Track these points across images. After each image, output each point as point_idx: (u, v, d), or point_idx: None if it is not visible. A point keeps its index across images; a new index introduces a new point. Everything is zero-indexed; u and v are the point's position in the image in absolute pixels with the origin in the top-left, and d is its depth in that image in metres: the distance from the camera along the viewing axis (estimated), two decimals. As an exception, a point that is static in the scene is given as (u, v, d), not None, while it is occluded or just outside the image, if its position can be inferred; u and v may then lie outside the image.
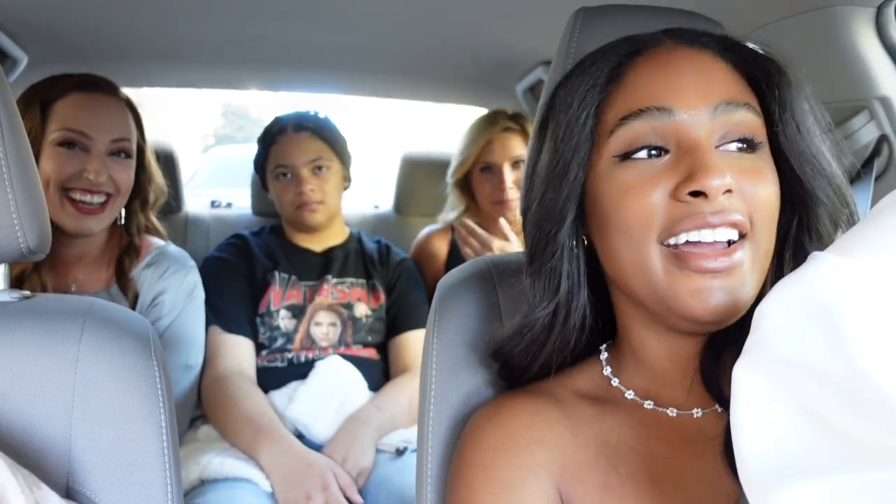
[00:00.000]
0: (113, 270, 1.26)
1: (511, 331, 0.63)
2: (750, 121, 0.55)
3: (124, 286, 1.25)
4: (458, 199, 1.66)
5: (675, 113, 0.54)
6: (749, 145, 0.55)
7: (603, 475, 0.56)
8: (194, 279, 1.32)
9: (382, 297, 1.51)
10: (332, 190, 1.50)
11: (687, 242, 0.53)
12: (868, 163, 0.85)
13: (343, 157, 1.54)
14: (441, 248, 1.69)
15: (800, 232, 0.57)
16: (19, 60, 1.43)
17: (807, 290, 0.39)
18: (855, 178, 0.87)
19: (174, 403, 0.73)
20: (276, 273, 1.47)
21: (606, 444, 0.58)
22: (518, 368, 0.65)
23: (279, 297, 1.45)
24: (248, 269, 1.46)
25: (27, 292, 0.75)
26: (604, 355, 0.64)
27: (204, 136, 14.25)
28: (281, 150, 1.49)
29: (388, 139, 11.28)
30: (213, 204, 2.02)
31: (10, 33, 1.35)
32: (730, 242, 0.53)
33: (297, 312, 1.44)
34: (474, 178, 1.60)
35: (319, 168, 1.48)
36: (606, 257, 0.59)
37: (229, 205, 2.05)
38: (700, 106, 0.54)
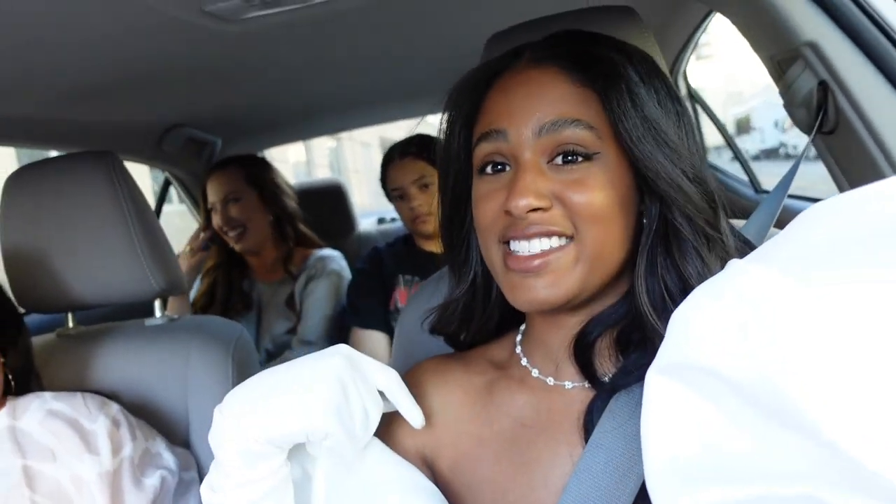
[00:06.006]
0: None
1: (438, 313, 0.73)
2: (578, 136, 0.58)
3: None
4: None
5: (508, 134, 0.60)
6: (578, 157, 0.58)
7: (478, 429, 0.65)
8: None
9: None
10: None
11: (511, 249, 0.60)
12: (819, 113, 0.82)
13: (446, 170, 1.77)
14: None
15: (661, 223, 0.60)
16: (215, 143, 1.96)
17: (728, 301, 0.39)
18: (812, 131, 0.84)
19: None
20: (400, 276, 1.77)
21: (493, 402, 0.66)
22: (453, 339, 0.75)
23: (404, 296, 1.75)
24: (380, 275, 1.79)
25: (173, 316, 1.15)
26: (522, 327, 0.71)
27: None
28: (392, 174, 1.78)
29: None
30: (379, 221, 2.43)
31: (204, 128, 1.89)
32: (549, 247, 0.58)
33: (421, 307, 1.73)
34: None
35: (425, 185, 1.74)
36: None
37: (393, 220, 2.43)
38: (526, 127, 0.59)
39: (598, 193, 0.58)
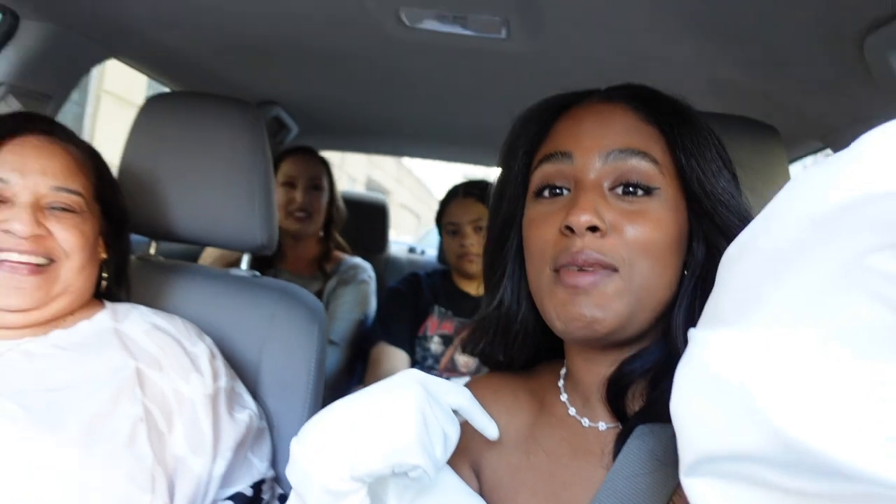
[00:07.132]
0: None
1: (469, 331, 0.74)
2: (643, 167, 0.60)
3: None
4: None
5: (574, 157, 0.61)
6: (638, 189, 0.60)
7: (517, 458, 0.66)
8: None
9: None
10: None
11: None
12: None
13: (504, 220, 1.86)
14: None
15: (704, 269, 0.61)
16: (292, 129, 2.02)
17: (701, 375, 0.39)
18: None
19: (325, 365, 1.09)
20: (436, 307, 1.82)
21: (532, 435, 0.67)
22: (486, 360, 0.74)
23: (435, 326, 1.79)
24: (415, 300, 1.83)
25: (257, 273, 1.18)
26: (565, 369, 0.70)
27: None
28: (452, 210, 1.87)
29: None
30: (410, 250, 2.49)
31: (291, 112, 1.95)
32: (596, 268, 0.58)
33: (447, 341, 1.77)
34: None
35: (480, 228, 1.82)
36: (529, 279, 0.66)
37: (423, 252, 2.50)
38: (594, 152, 0.60)
39: (655, 228, 0.59)
